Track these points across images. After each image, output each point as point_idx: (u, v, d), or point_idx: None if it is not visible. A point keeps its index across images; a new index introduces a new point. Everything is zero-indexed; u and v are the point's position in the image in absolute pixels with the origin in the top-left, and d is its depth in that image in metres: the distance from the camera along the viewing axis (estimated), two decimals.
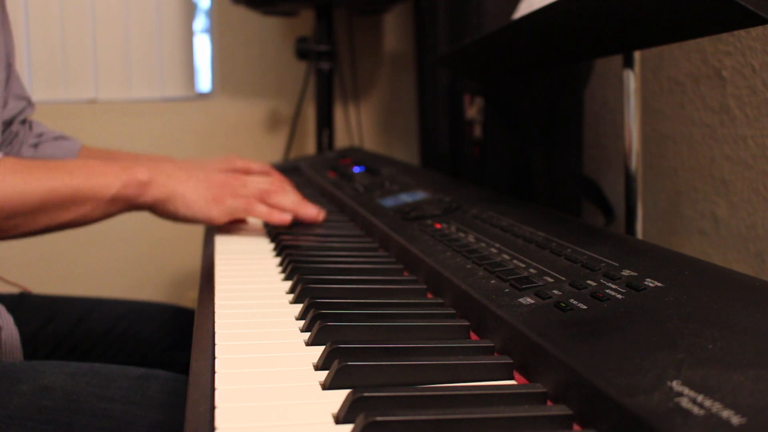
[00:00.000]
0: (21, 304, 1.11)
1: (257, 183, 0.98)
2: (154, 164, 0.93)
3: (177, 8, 1.99)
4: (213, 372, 0.50)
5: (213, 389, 0.47)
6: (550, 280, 0.58)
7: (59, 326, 1.10)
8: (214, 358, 0.53)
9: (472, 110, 1.32)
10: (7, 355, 0.93)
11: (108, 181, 0.88)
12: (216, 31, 1.98)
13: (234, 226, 1.02)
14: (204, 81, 2.05)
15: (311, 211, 0.98)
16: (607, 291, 0.53)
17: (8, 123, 1.07)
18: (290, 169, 1.55)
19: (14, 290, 1.17)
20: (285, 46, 1.96)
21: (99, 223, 0.97)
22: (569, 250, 0.64)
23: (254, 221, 1.06)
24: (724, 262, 1.12)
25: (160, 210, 0.92)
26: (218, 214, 0.93)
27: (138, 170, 0.90)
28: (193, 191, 0.92)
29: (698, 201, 1.18)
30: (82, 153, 1.16)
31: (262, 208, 0.95)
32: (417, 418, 0.40)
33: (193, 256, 1.85)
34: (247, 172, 1.11)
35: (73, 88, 1.95)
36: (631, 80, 1.02)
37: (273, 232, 0.96)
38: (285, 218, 0.96)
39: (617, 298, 0.51)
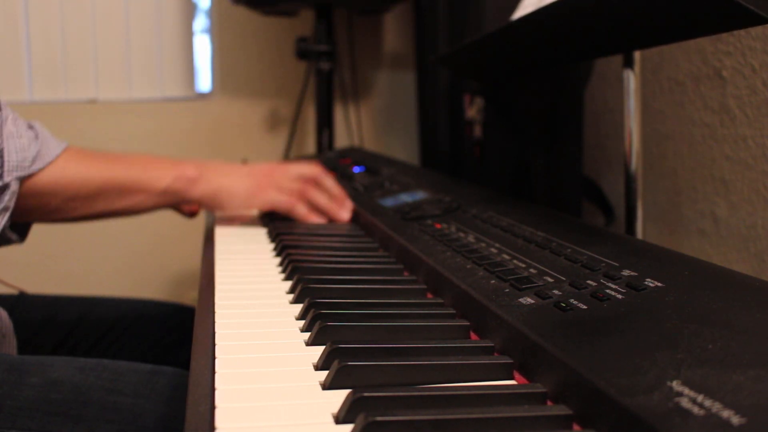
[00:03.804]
0: (20, 304, 1.11)
1: (300, 169, 1.04)
2: (203, 162, 1.01)
3: (177, 8, 1.98)
4: (213, 372, 0.50)
5: (213, 389, 0.47)
6: (550, 280, 0.58)
7: (59, 326, 1.10)
8: (214, 358, 0.53)
9: (472, 110, 1.32)
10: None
11: (160, 174, 0.96)
12: (216, 31, 1.98)
13: (234, 225, 1.03)
14: (204, 81, 2.05)
15: (344, 215, 1.04)
16: (607, 291, 0.53)
17: None
18: None
19: (13, 291, 1.17)
20: (285, 46, 1.96)
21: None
22: (569, 250, 0.64)
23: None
24: (724, 262, 1.12)
25: (207, 204, 1.00)
26: (260, 203, 1.02)
27: (187, 166, 0.98)
28: (237, 184, 1.00)
29: (698, 201, 1.18)
30: None
31: (302, 210, 1.02)
32: (417, 418, 0.40)
33: (193, 256, 1.85)
34: None
35: (73, 88, 1.94)
36: (631, 80, 1.02)
37: (273, 232, 0.96)
38: (320, 221, 1.03)
39: (617, 298, 0.51)
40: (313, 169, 1.05)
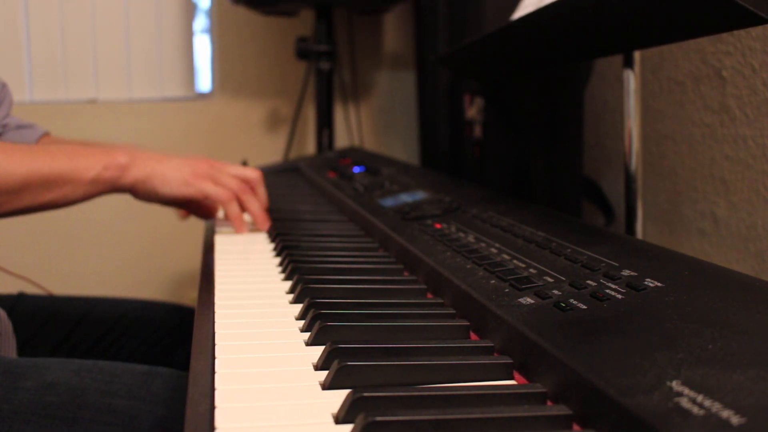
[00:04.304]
0: (20, 304, 1.11)
1: (237, 170, 1.01)
2: (135, 148, 0.97)
3: (177, 8, 1.99)
4: (213, 372, 0.50)
5: (213, 389, 0.47)
6: (550, 280, 0.58)
7: (58, 326, 1.10)
8: (214, 358, 0.53)
9: (472, 110, 1.32)
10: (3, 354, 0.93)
11: (89, 163, 0.91)
12: (216, 31, 1.98)
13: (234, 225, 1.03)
14: (204, 81, 2.05)
15: (265, 229, 1.01)
16: (607, 291, 0.53)
17: None
18: (290, 169, 1.55)
19: (13, 291, 1.17)
20: (285, 46, 1.96)
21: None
22: (569, 250, 0.64)
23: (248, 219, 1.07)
24: (724, 262, 1.12)
25: (140, 190, 0.94)
26: (194, 191, 0.96)
27: (118, 154, 0.93)
28: (173, 170, 0.95)
29: (698, 201, 1.18)
30: (44, 140, 1.15)
31: (235, 209, 0.98)
32: (417, 418, 0.40)
33: (193, 256, 1.85)
34: None
35: (73, 88, 1.95)
36: (631, 80, 1.02)
37: (273, 232, 0.96)
38: (244, 230, 0.99)
39: (617, 298, 0.51)
40: (254, 173, 1.03)
